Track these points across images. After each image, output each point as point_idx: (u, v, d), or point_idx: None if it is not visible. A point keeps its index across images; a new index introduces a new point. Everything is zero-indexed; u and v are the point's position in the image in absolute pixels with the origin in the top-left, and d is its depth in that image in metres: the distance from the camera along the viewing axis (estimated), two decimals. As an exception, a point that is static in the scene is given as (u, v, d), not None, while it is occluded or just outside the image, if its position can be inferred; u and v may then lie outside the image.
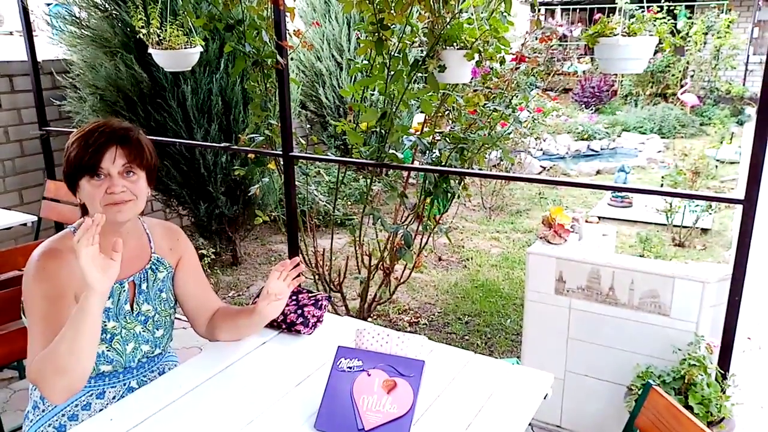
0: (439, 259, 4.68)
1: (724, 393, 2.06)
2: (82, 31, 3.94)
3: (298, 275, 1.56)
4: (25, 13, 3.76)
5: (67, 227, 1.60)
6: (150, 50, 2.95)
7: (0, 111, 4.00)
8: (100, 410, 1.47)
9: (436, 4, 2.43)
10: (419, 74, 2.65)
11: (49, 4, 4.63)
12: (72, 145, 1.46)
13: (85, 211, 1.52)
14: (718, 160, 7.54)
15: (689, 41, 10.72)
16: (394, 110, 2.77)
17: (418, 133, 3.05)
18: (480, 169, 3.20)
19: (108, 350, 1.50)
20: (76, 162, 1.44)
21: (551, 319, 2.51)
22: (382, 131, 2.84)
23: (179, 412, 1.37)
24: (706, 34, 10.91)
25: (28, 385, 1.61)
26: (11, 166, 4.09)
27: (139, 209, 1.52)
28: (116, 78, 3.80)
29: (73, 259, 1.45)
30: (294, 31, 2.92)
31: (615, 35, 2.13)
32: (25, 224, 2.94)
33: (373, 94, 4.98)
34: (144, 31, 2.93)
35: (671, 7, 10.49)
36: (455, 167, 2.94)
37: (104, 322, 1.49)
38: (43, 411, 1.51)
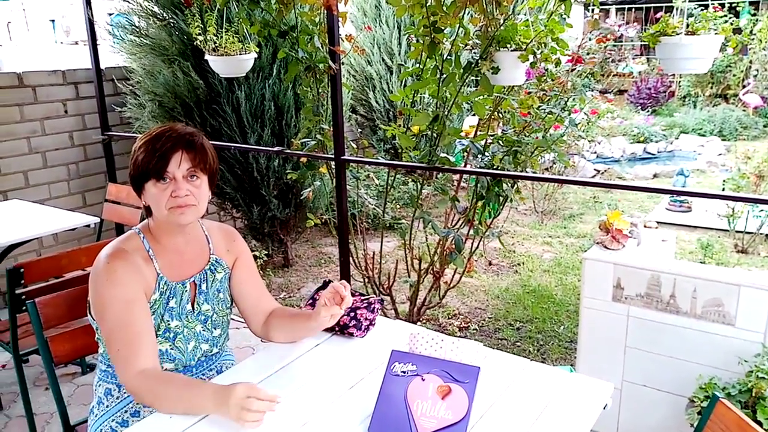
0: (490, 264, 4.62)
1: (796, 408, 1.95)
2: (142, 39, 4.09)
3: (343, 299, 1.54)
4: (90, 23, 3.92)
5: (127, 228, 1.65)
6: (206, 57, 3.02)
7: (66, 117, 4.18)
8: (161, 407, 1.51)
9: (489, 5, 2.40)
10: (472, 77, 2.62)
11: (111, 14, 4.82)
12: (139, 149, 1.49)
13: (149, 212, 1.57)
14: (784, 163, 7.18)
15: (753, 39, 10.27)
16: (446, 113, 2.75)
17: (471, 136, 3.03)
18: (534, 173, 3.14)
19: (171, 348, 1.54)
20: (143, 166, 1.48)
21: (608, 327, 2.43)
22: (434, 134, 2.82)
23: (236, 411, 1.39)
24: (772, 31, 10.42)
25: (92, 380, 1.67)
26: (75, 169, 4.27)
27: (201, 212, 1.55)
28: (174, 84, 3.91)
29: (139, 258, 1.50)
30: (346, 36, 2.94)
31: (677, 34, 2.06)
32: (88, 226, 3.05)
33: (423, 98, 4.97)
34: (200, 38, 3.01)
35: (734, 4, 10.08)
36: (508, 170, 2.90)
37: (168, 321, 1.54)
38: (107, 407, 1.56)
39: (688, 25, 2.07)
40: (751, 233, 4.85)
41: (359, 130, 6.51)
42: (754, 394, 1.98)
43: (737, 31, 9.47)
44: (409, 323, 1.91)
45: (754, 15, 10.83)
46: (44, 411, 2.75)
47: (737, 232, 4.90)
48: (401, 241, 3.26)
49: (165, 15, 3.96)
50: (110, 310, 1.44)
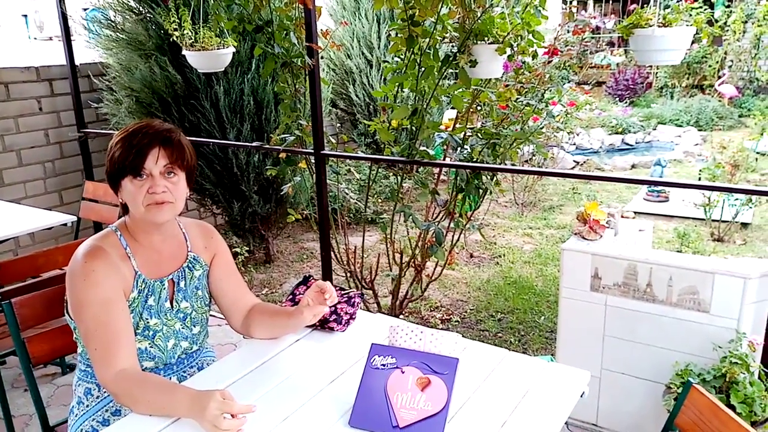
0: (471, 256, 4.65)
1: (768, 392, 2.00)
2: (118, 34, 4.03)
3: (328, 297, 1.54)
4: (64, 18, 3.86)
5: (105, 226, 1.64)
6: (184, 52, 2.99)
7: (41, 114, 4.11)
8: (141, 405, 1.50)
9: (466, -1, 2.41)
10: (450, 70, 2.63)
11: (85, 9, 4.74)
12: (116, 145, 1.48)
13: (126, 210, 1.56)
14: (758, 153, 7.30)
15: (727, 30, 10.41)
16: (425, 107, 2.76)
17: (450, 129, 3.04)
18: (513, 165, 3.17)
19: (151, 346, 1.54)
20: (119, 162, 1.46)
21: (587, 316, 2.47)
22: (413, 128, 2.83)
23: (217, 407, 1.39)
24: (746, 22, 10.58)
25: (72, 380, 1.66)
26: (51, 167, 4.21)
27: (178, 210, 1.54)
28: (151, 80, 3.87)
29: (116, 257, 1.49)
30: (322, 31, 2.92)
31: (651, 26, 2.08)
32: (65, 224, 3.01)
33: (403, 92, 4.98)
34: (177, 33, 2.97)
35: (708, -4, 10.20)
36: (487, 163, 2.92)
37: (147, 319, 1.53)
38: (87, 406, 1.55)
39: (664, 17, 2.10)
40: (727, 222, 4.94)
41: (339, 124, 6.49)
42: (727, 379, 2.03)
43: (711, 22, 9.58)
44: (392, 317, 1.93)
45: (728, 6, 10.98)
46: (23, 413, 2.72)
47: (713, 220, 4.99)
48: (383, 235, 3.27)
49: (141, 9, 3.91)
50: (88, 310, 1.43)
